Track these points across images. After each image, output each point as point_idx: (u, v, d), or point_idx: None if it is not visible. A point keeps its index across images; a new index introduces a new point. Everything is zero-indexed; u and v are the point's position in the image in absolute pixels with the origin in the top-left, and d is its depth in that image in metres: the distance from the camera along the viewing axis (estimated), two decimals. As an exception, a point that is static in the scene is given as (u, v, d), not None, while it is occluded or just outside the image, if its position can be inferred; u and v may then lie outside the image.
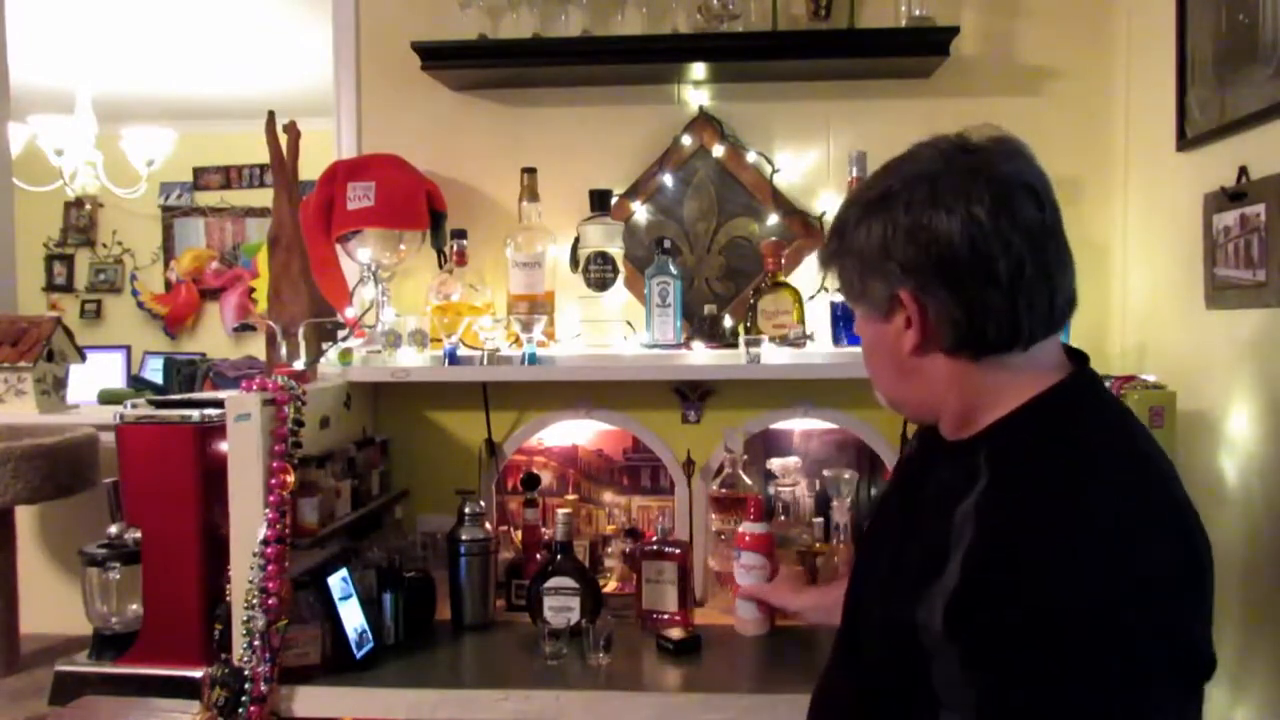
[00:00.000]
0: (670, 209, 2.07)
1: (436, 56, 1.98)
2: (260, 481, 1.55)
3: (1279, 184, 1.40)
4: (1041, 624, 0.80)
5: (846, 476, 1.86)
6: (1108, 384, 1.63)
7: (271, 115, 2.11)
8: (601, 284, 1.96)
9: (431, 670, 1.64)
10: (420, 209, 1.98)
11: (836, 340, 1.94)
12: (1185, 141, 1.69)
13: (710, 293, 2.06)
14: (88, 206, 5.70)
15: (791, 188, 2.06)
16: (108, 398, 2.98)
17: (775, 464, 1.97)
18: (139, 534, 1.72)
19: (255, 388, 1.57)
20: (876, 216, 0.94)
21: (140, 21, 3.92)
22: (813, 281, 1.96)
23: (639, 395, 2.01)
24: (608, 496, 2.10)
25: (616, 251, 1.97)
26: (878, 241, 0.94)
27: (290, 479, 1.56)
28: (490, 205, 2.11)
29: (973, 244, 0.89)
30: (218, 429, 1.63)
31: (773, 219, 2.05)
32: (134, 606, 1.75)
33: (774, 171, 2.06)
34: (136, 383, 4.74)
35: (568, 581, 1.76)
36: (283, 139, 2.10)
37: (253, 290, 5.41)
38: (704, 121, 2.06)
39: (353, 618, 1.64)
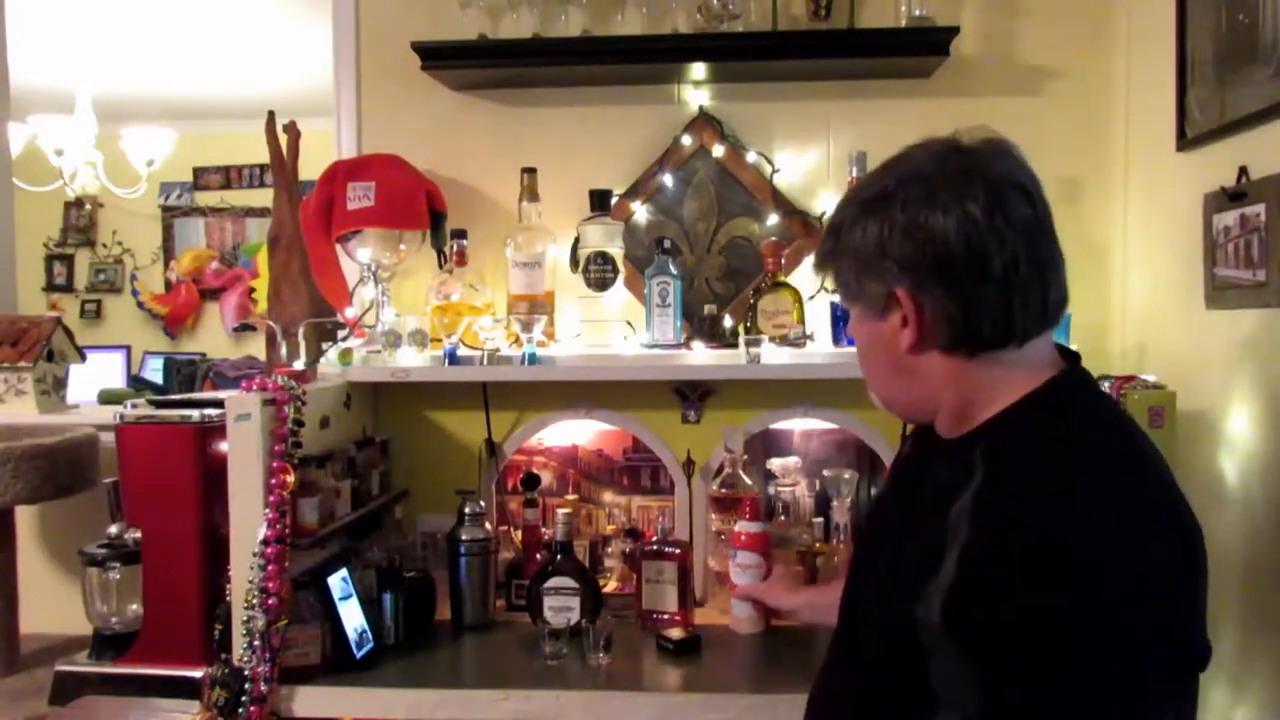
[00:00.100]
0: (670, 209, 2.07)
1: (436, 56, 1.99)
2: (260, 481, 1.55)
3: (1279, 184, 1.40)
4: (1037, 621, 0.80)
5: (846, 476, 1.86)
6: (1108, 384, 1.63)
7: (271, 115, 2.11)
8: (601, 284, 1.96)
9: (431, 670, 1.64)
10: (420, 209, 1.98)
11: (836, 340, 1.94)
12: (1185, 141, 1.69)
13: (710, 293, 2.06)
14: (88, 206, 5.70)
15: (791, 188, 2.06)
16: (108, 398, 2.98)
17: (775, 464, 1.97)
18: (139, 534, 1.71)
19: (255, 388, 1.57)
20: (873, 216, 0.95)
21: (140, 21, 3.92)
22: (813, 281, 1.96)
23: (639, 395, 2.01)
24: (608, 496, 2.10)
25: (616, 251, 1.97)
26: (874, 241, 0.95)
27: (290, 479, 1.56)
28: (490, 205, 2.11)
29: (968, 242, 0.90)
30: (218, 429, 1.63)
31: (773, 219, 2.05)
32: (134, 606, 1.75)
33: (774, 171, 2.06)
34: (136, 383, 4.74)
35: (568, 581, 1.76)
36: (283, 139, 2.10)
37: (253, 290, 5.41)
38: (704, 121, 2.06)
39: (353, 618, 1.64)
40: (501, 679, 1.58)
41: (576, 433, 2.10)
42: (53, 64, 4.30)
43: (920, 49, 1.93)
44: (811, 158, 2.07)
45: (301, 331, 1.86)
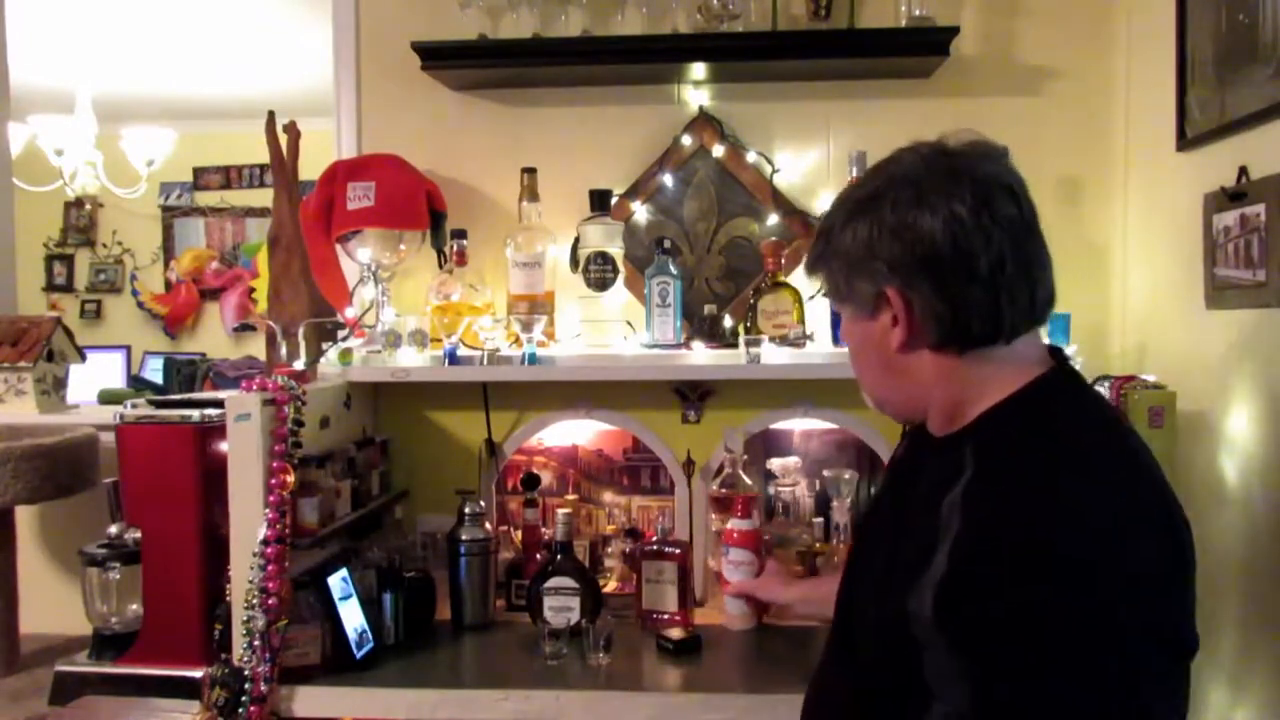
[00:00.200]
0: (670, 209, 2.07)
1: (436, 56, 1.99)
2: (260, 481, 1.55)
3: (1279, 184, 1.40)
4: (1024, 618, 0.81)
5: (846, 476, 1.86)
6: (1108, 384, 1.63)
7: (271, 115, 2.10)
8: (601, 284, 1.96)
9: (431, 670, 1.64)
10: (420, 209, 1.98)
11: (836, 340, 1.94)
12: (1185, 141, 1.69)
13: (710, 293, 2.06)
14: (88, 206, 5.70)
15: (791, 188, 2.07)
16: (108, 398, 2.98)
17: (775, 464, 1.97)
18: (139, 534, 1.71)
19: (255, 388, 1.57)
20: (862, 218, 0.98)
21: (140, 21, 3.92)
22: (812, 281, 1.95)
23: (639, 395, 2.01)
24: (608, 496, 2.10)
25: (616, 251, 1.97)
26: (863, 241, 0.97)
27: (290, 479, 1.56)
28: (490, 205, 2.11)
29: (955, 241, 0.92)
30: (218, 429, 1.63)
31: (773, 219, 2.05)
32: (134, 606, 1.75)
33: (774, 171, 2.06)
34: (136, 383, 4.74)
35: (568, 581, 1.76)
36: (283, 139, 2.10)
37: (253, 290, 5.40)
38: (704, 121, 2.06)
39: (353, 618, 1.64)
40: (501, 679, 1.58)
41: (576, 433, 2.10)
42: (53, 64, 4.31)
43: (920, 49, 1.93)
44: (811, 158, 2.07)
45: (301, 331, 1.86)
